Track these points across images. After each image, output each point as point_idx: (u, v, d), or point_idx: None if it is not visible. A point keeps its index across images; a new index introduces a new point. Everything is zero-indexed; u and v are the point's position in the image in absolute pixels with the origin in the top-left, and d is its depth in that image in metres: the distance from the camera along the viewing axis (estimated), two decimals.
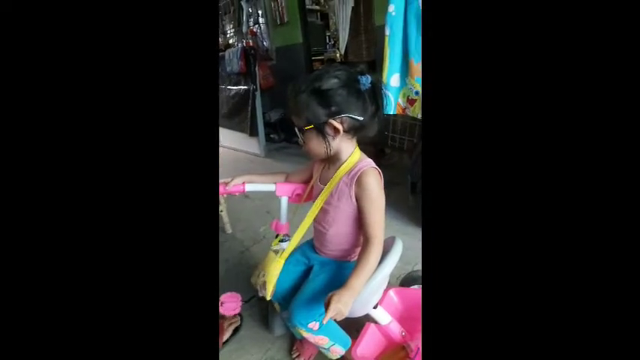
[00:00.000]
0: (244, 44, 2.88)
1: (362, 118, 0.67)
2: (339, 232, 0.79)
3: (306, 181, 0.88)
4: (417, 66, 1.25)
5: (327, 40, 4.11)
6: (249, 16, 3.14)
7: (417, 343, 0.81)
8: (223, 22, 3.59)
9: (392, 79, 1.33)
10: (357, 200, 0.73)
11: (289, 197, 0.88)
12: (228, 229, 1.63)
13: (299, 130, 0.70)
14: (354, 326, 0.86)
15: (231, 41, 3.50)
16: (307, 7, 3.47)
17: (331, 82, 0.65)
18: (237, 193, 0.85)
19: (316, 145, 0.71)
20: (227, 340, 0.99)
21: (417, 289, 0.97)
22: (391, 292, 0.93)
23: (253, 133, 2.86)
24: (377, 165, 0.74)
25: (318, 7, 4.07)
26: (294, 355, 0.93)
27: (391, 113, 1.38)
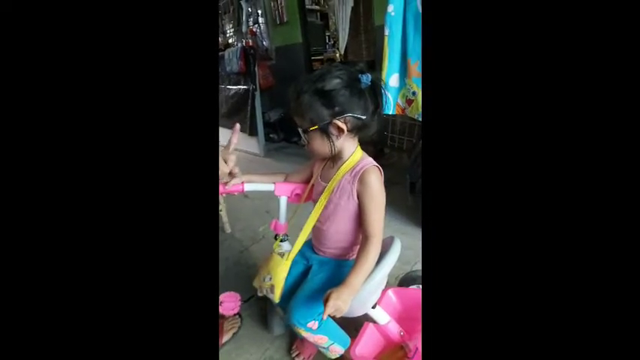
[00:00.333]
0: (244, 44, 2.88)
1: (364, 117, 0.68)
2: (339, 230, 0.79)
3: (306, 181, 0.88)
4: (413, 66, 1.25)
5: (327, 40, 4.11)
6: (248, 15, 3.14)
7: (415, 343, 0.81)
8: (223, 21, 3.59)
9: (391, 79, 1.33)
10: (358, 198, 0.73)
11: (288, 197, 0.88)
12: (228, 229, 1.63)
13: (303, 131, 0.71)
14: (352, 326, 0.87)
15: (230, 41, 3.50)
16: (307, 6, 3.47)
17: (334, 83, 0.66)
18: (236, 193, 0.85)
19: (320, 145, 0.71)
20: (226, 342, 0.99)
21: (415, 289, 0.97)
22: (390, 292, 0.94)
23: (253, 132, 2.86)
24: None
25: (317, 7, 4.07)
26: (294, 355, 0.93)
27: (390, 113, 1.38)
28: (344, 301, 0.62)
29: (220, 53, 2.88)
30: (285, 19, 3.10)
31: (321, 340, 0.79)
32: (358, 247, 0.83)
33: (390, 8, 1.24)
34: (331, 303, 0.61)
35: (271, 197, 0.87)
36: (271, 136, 3.21)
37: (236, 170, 0.75)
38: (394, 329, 0.85)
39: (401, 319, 0.90)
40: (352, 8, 2.54)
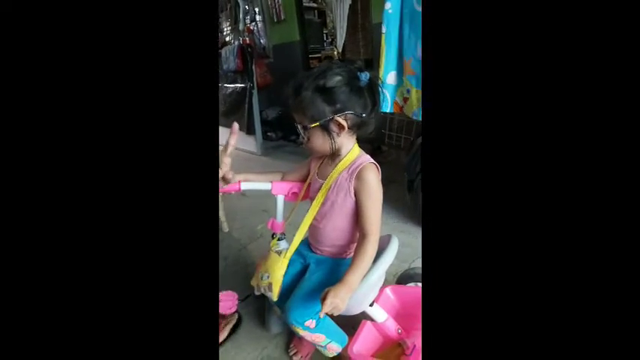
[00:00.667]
0: (241, 42, 2.86)
1: (364, 115, 0.69)
2: (336, 228, 0.79)
3: (303, 179, 0.87)
4: (408, 63, 1.25)
5: (325, 38, 4.10)
6: (245, 13, 3.12)
7: (413, 340, 0.81)
8: (220, 19, 3.56)
9: (388, 77, 1.33)
10: (355, 195, 0.73)
11: (285, 196, 0.88)
12: (225, 228, 1.63)
13: (303, 128, 0.71)
14: (350, 324, 0.87)
15: (227, 39, 3.48)
16: (305, 4, 3.45)
17: (335, 80, 0.67)
18: (232, 192, 0.85)
19: (320, 142, 0.72)
20: (225, 340, 0.99)
21: (413, 287, 0.97)
22: (388, 290, 0.94)
23: (250, 131, 2.85)
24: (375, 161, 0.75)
25: (315, 5, 4.06)
26: (292, 353, 0.93)
27: (388, 111, 1.38)
28: (341, 299, 0.62)
29: None
30: (283, 17, 3.08)
31: (319, 338, 0.79)
32: (355, 245, 0.83)
33: (388, 6, 1.24)
34: (328, 301, 0.61)
35: (269, 196, 0.87)
36: (269, 134, 3.20)
37: (229, 176, 0.75)
38: (392, 327, 0.85)
39: (399, 316, 0.90)
40: (350, 6, 2.53)
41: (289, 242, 0.82)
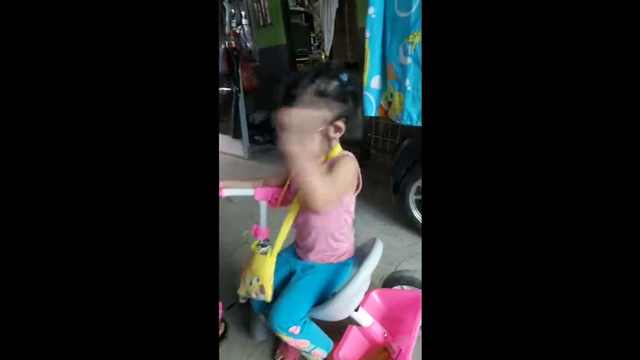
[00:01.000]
0: (227, 46, 2.84)
1: (353, 116, 0.72)
2: (317, 225, 0.79)
3: (284, 184, 0.87)
4: (390, 68, 1.26)
5: (312, 42, 4.10)
6: (231, 16, 3.10)
7: (399, 344, 0.81)
8: None
9: (372, 82, 1.34)
10: None
11: (269, 201, 0.87)
12: None
13: None
14: (336, 329, 0.86)
15: None
16: (292, 8, 3.46)
17: (334, 84, 0.69)
18: None
19: (317, 146, 0.72)
20: None
21: (399, 290, 0.97)
22: (374, 294, 0.94)
23: (237, 134, 2.83)
24: (362, 165, 0.77)
25: (302, 9, 4.06)
26: (278, 359, 0.92)
27: (373, 115, 1.39)
28: (289, 117, 0.56)
29: None
30: (269, 21, 3.08)
31: (303, 344, 0.78)
32: (340, 251, 0.82)
33: (371, 10, 1.25)
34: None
35: (255, 202, 0.86)
36: (256, 138, 3.18)
37: None
38: (378, 331, 0.85)
39: (385, 319, 0.90)
40: (337, 9, 2.55)
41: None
